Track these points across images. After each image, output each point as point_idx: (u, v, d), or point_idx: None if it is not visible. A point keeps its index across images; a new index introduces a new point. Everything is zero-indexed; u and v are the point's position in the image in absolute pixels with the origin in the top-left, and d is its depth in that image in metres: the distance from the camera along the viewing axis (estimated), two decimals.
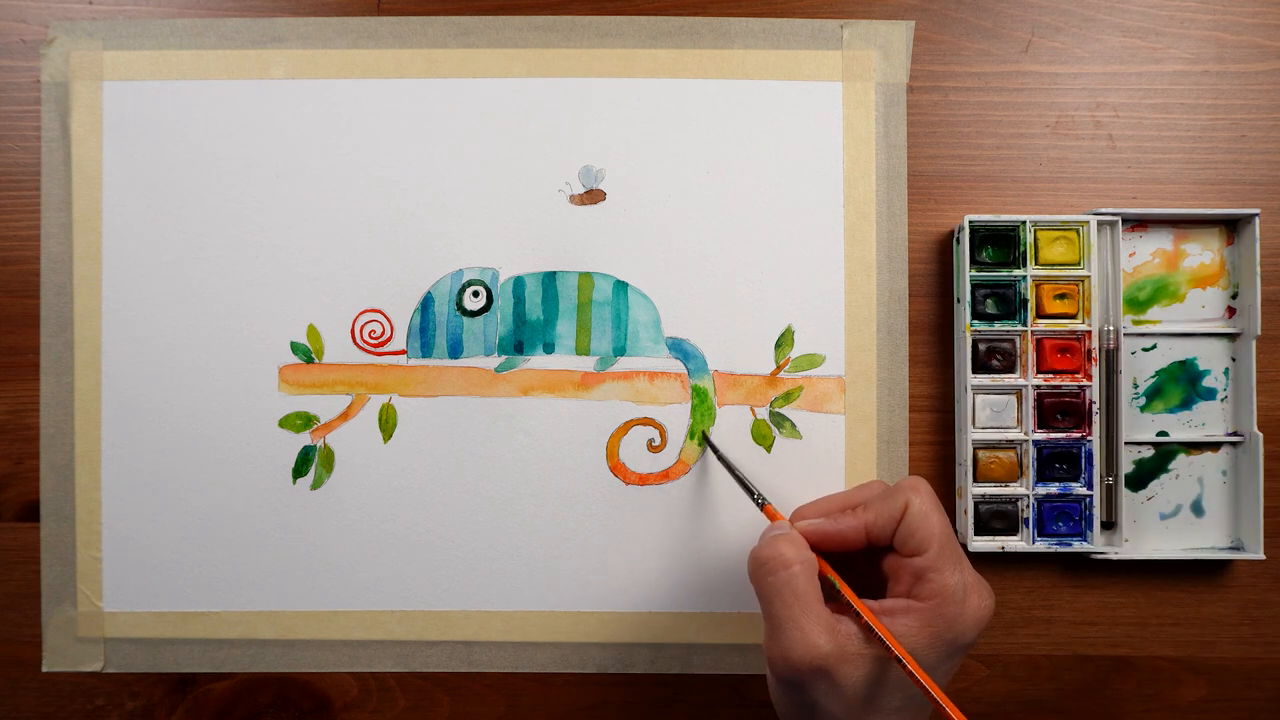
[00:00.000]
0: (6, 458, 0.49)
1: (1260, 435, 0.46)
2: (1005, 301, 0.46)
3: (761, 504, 0.43)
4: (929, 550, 0.37)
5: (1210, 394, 0.48)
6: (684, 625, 0.48)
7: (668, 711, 0.48)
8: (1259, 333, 0.46)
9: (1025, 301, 0.46)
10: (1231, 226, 0.48)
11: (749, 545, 0.47)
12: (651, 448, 0.48)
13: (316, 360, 0.48)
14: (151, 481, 0.48)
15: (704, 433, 0.48)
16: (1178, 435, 0.48)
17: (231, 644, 0.48)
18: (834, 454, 0.48)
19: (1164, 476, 0.48)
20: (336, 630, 0.48)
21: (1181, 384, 0.48)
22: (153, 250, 0.48)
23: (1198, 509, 0.48)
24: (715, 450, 0.47)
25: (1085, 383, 0.46)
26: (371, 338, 0.48)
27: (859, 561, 0.41)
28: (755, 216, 0.48)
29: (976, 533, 0.46)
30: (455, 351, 0.48)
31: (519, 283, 0.48)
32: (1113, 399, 0.46)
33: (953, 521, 0.48)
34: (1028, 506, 0.46)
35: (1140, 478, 0.48)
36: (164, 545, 0.48)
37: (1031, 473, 0.46)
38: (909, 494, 0.38)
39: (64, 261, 0.48)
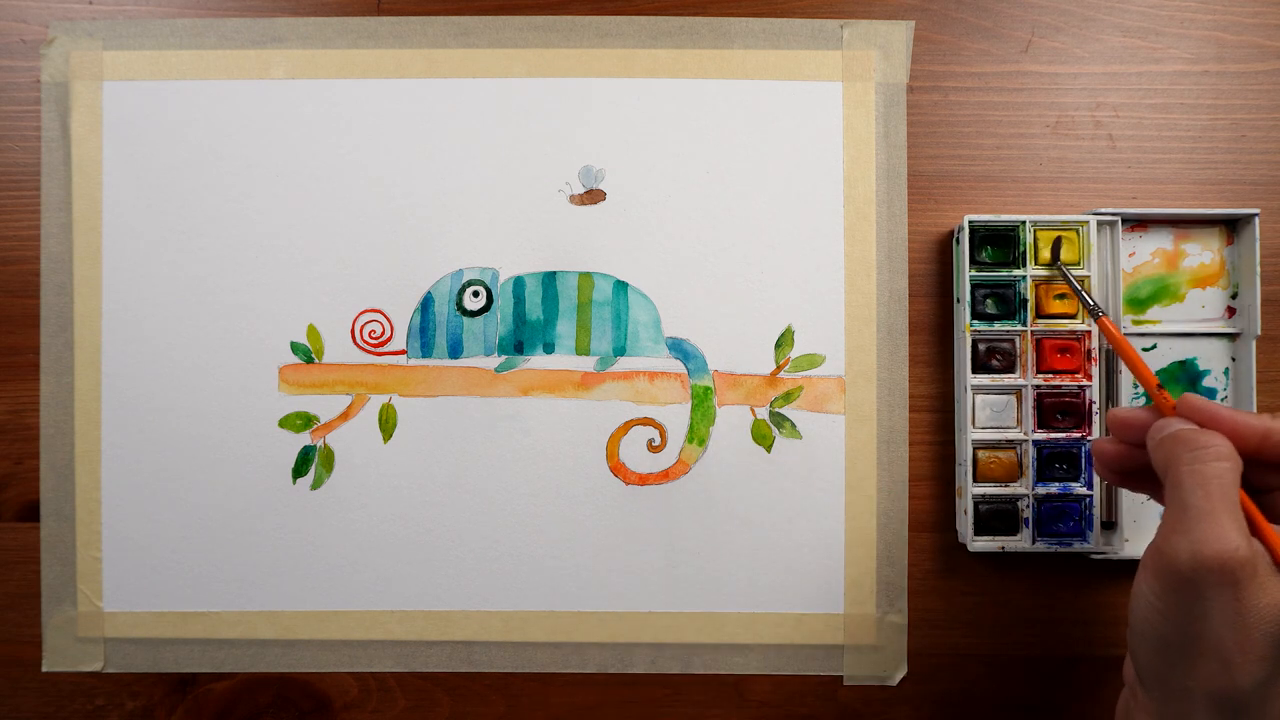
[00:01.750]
0: (6, 458, 0.49)
1: None
2: (1005, 301, 0.46)
3: (1160, 388, 0.38)
4: None
5: (1210, 394, 0.48)
6: (684, 625, 0.48)
7: (668, 711, 0.48)
8: (1259, 333, 0.46)
9: (1025, 301, 0.46)
10: (1231, 226, 0.48)
11: (749, 546, 0.47)
12: (651, 448, 0.48)
13: (316, 360, 0.48)
14: (151, 481, 0.48)
15: (1057, 265, 0.45)
16: None
17: (231, 644, 0.48)
18: (834, 454, 0.48)
19: None
20: (336, 630, 0.48)
21: (1181, 384, 0.48)
22: (153, 250, 0.48)
23: None
24: (1066, 273, 0.44)
25: (1085, 383, 0.46)
26: (371, 338, 0.48)
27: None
28: (755, 216, 0.48)
29: (976, 533, 0.46)
30: (455, 351, 0.48)
31: (519, 283, 0.48)
32: (1113, 399, 0.46)
33: (952, 521, 0.48)
34: (1028, 506, 0.46)
35: None
36: (164, 545, 0.48)
37: (1031, 473, 0.46)
38: None
39: (64, 261, 0.48)
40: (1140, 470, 0.37)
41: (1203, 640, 0.31)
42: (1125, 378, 0.47)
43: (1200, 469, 0.32)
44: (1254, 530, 0.33)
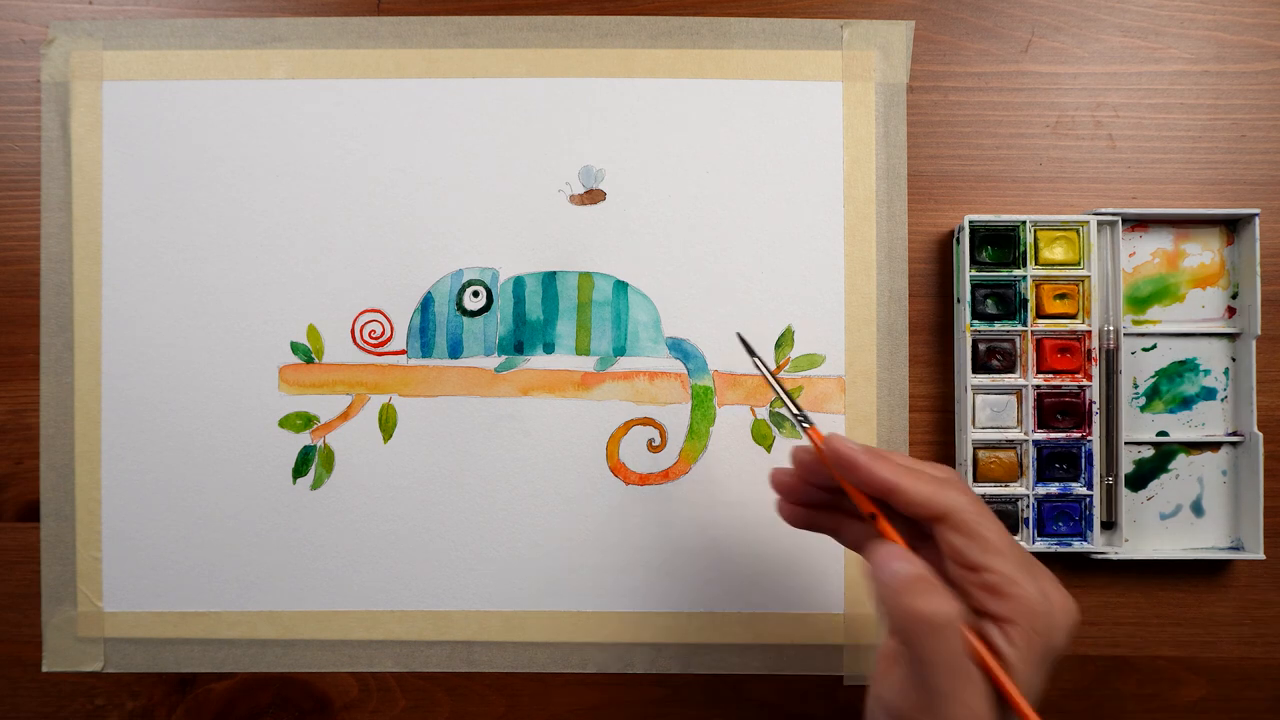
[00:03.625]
0: (6, 458, 0.49)
1: (1260, 435, 0.46)
2: (1005, 301, 0.46)
3: (805, 426, 0.38)
4: (994, 566, 0.32)
5: (1210, 394, 0.48)
6: (684, 625, 0.48)
7: (668, 711, 0.48)
8: (1259, 333, 0.46)
9: (1025, 301, 0.46)
10: (1231, 226, 0.48)
11: (749, 546, 0.47)
12: (651, 448, 0.48)
13: (316, 360, 0.48)
14: (151, 481, 0.48)
15: (739, 335, 0.44)
16: (1178, 435, 0.48)
17: (231, 644, 0.48)
18: None
19: (1164, 476, 0.48)
20: (336, 630, 0.48)
21: (1181, 384, 0.48)
22: (153, 250, 0.48)
23: (1198, 509, 0.48)
24: (752, 353, 0.42)
25: (1085, 383, 0.46)
26: (371, 338, 0.48)
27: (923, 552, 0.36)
28: (755, 217, 0.48)
29: None
30: (455, 351, 0.48)
31: (519, 283, 0.48)
32: (1113, 399, 0.46)
33: None
34: (1028, 506, 0.46)
35: (1140, 478, 0.48)
36: (164, 545, 0.48)
37: (1031, 473, 0.46)
38: (951, 494, 0.33)
39: (64, 261, 0.48)
40: (815, 504, 0.38)
41: None
42: (1125, 378, 0.47)
43: (933, 645, 0.31)
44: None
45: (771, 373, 0.41)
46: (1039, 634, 0.32)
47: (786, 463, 0.39)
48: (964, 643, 0.32)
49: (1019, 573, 0.32)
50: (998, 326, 0.46)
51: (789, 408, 0.39)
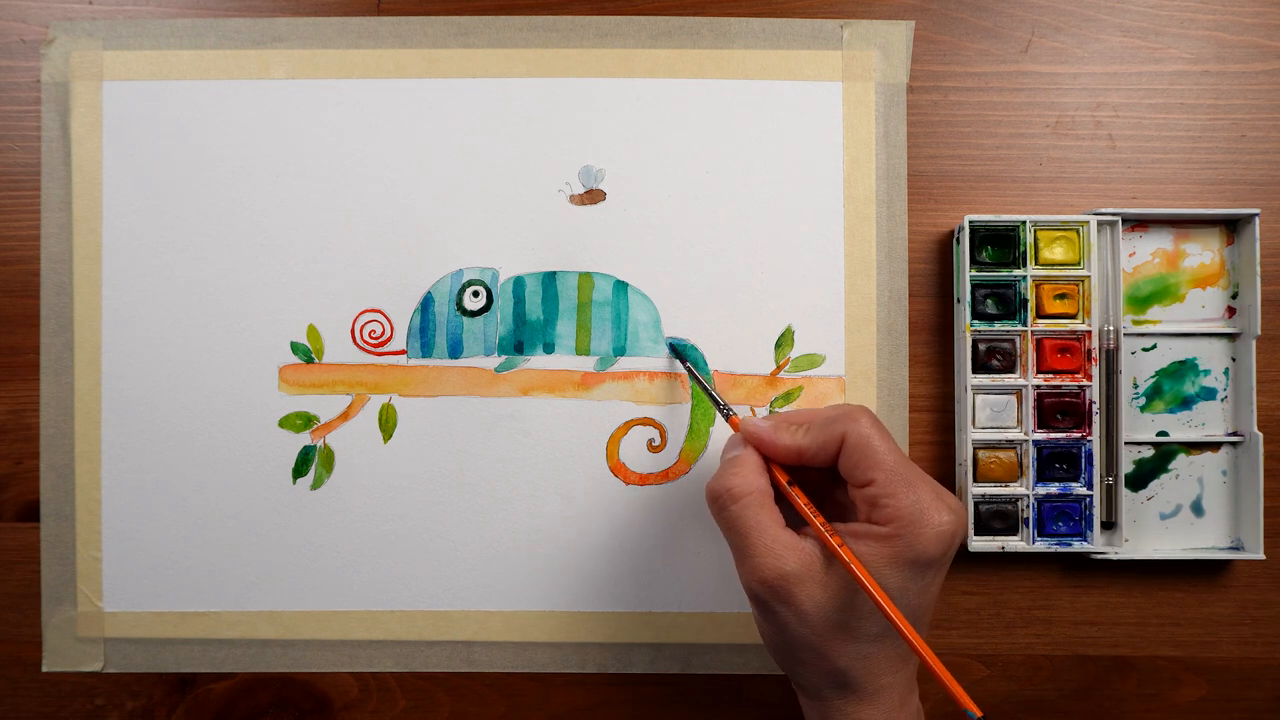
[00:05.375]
0: (6, 458, 0.49)
1: (1260, 435, 0.46)
2: (1005, 301, 0.46)
3: (727, 415, 0.43)
4: (876, 479, 0.37)
5: (1210, 394, 0.48)
6: (684, 625, 0.48)
7: (668, 711, 0.48)
8: (1259, 333, 0.46)
9: (1025, 301, 0.46)
10: (1231, 226, 0.48)
11: None
12: (651, 448, 0.48)
13: (316, 360, 0.48)
14: (151, 481, 0.48)
15: (669, 341, 0.48)
16: (1178, 435, 0.48)
17: (231, 644, 0.48)
18: None
19: (1164, 476, 0.48)
20: (336, 630, 0.48)
21: (1181, 384, 0.48)
22: (153, 250, 0.48)
23: (1198, 509, 0.48)
24: (682, 359, 0.47)
25: (1085, 383, 0.46)
26: (371, 338, 0.48)
27: (829, 488, 0.41)
28: (755, 217, 0.48)
29: (976, 533, 0.46)
30: (455, 351, 0.48)
31: (519, 283, 0.48)
32: (1113, 399, 0.46)
33: None
34: (1028, 506, 0.46)
35: (1140, 478, 0.48)
36: (164, 545, 0.48)
37: (1031, 473, 0.46)
38: (847, 424, 0.38)
39: (64, 261, 0.48)
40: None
41: (794, 638, 0.37)
42: (1125, 378, 0.47)
43: (724, 515, 0.38)
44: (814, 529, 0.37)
45: (695, 375, 0.46)
46: (904, 539, 0.36)
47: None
48: (756, 513, 0.37)
49: (897, 484, 0.37)
50: (998, 326, 0.46)
51: (714, 401, 0.44)
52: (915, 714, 0.39)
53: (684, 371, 0.48)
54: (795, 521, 0.39)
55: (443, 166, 0.48)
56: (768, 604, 0.37)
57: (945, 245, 0.49)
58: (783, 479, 0.39)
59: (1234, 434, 0.47)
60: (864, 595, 0.36)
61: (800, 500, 0.38)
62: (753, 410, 0.48)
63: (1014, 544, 0.46)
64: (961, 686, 0.33)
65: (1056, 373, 0.46)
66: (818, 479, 0.41)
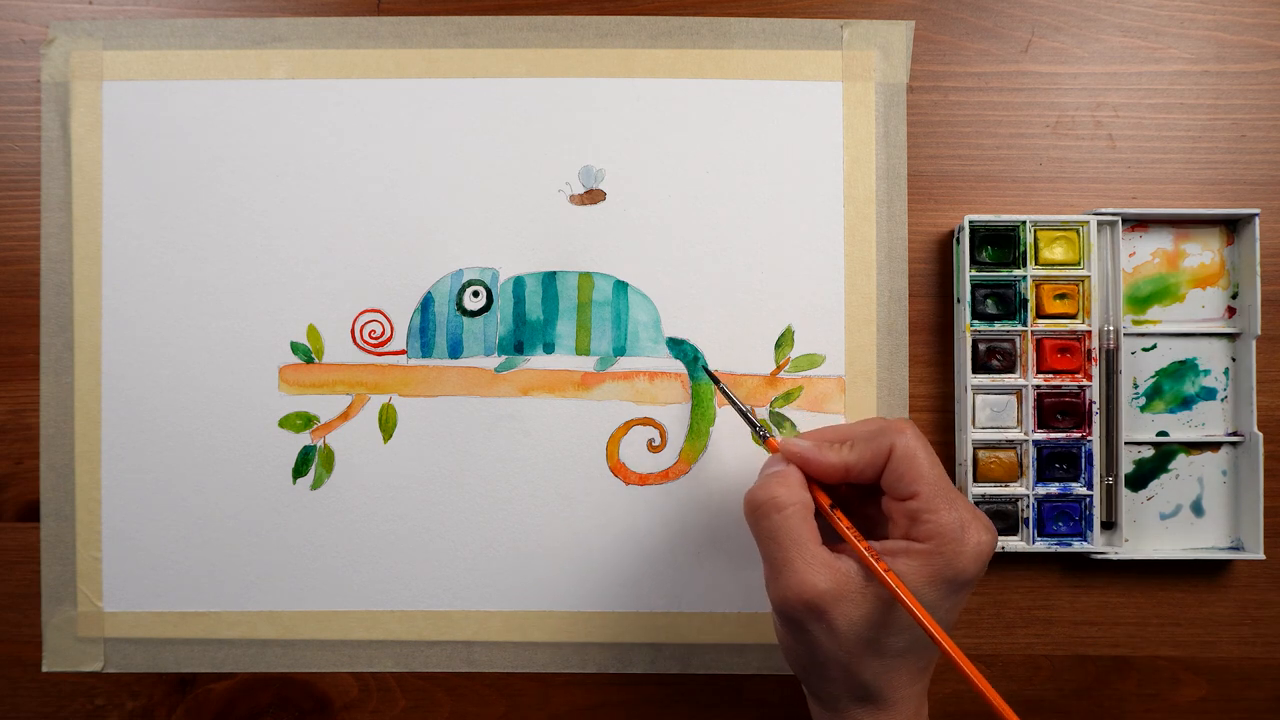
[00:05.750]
0: (6, 458, 0.49)
1: (1260, 435, 0.46)
2: (1005, 301, 0.46)
3: (765, 437, 0.42)
4: (920, 492, 0.36)
5: (1210, 394, 0.48)
6: (684, 625, 0.48)
7: (668, 711, 0.48)
8: (1259, 333, 0.46)
9: (1025, 301, 0.46)
10: (1231, 226, 0.48)
11: (749, 546, 0.47)
12: (651, 448, 0.48)
13: (316, 360, 0.48)
14: (151, 481, 0.48)
15: (705, 367, 0.47)
16: (1178, 435, 0.48)
17: (231, 644, 0.48)
18: None
19: (1164, 476, 0.48)
20: (336, 630, 0.48)
21: (1181, 384, 0.48)
22: (153, 250, 0.48)
23: (1198, 509, 0.48)
24: (718, 383, 0.46)
25: (1085, 383, 0.46)
26: (371, 338, 0.48)
27: (857, 503, 0.41)
28: (755, 217, 0.48)
29: None
30: (455, 351, 0.48)
31: (519, 283, 0.48)
32: (1113, 399, 0.46)
33: None
34: (1028, 506, 0.46)
35: (1140, 478, 0.48)
36: (164, 545, 0.48)
37: (1031, 473, 0.46)
38: (894, 436, 0.37)
39: (64, 261, 0.48)
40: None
41: (823, 655, 0.37)
42: (1125, 378, 0.47)
43: (766, 524, 0.37)
44: (855, 546, 0.37)
45: (731, 397, 0.45)
46: (943, 557, 0.36)
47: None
48: (799, 525, 0.37)
49: (939, 500, 0.36)
50: (998, 326, 0.46)
51: (750, 424, 0.43)
52: None
53: (683, 371, 0.48)
54: (828, 538, 0.38)
55: (443, 166, 0.48)
56: (801, 622, 0.36)
57: (945, 245, 0.49)
58: (825, 501, 0.39)
59: (1234, 434, 0.47)
60: (897, 612, 0.36)
61: (843, 524, 0.38)
62: (753, 410, 0.48)
63: (1014, 544, 0.46)
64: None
65: (1056, 373, 0.46)
66: (846, 493, 0.41)
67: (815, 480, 0.39)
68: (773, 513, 0.37)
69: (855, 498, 0.41)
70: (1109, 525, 0.47)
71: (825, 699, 0.39)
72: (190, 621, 0.48)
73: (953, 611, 0.37)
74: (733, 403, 0.44)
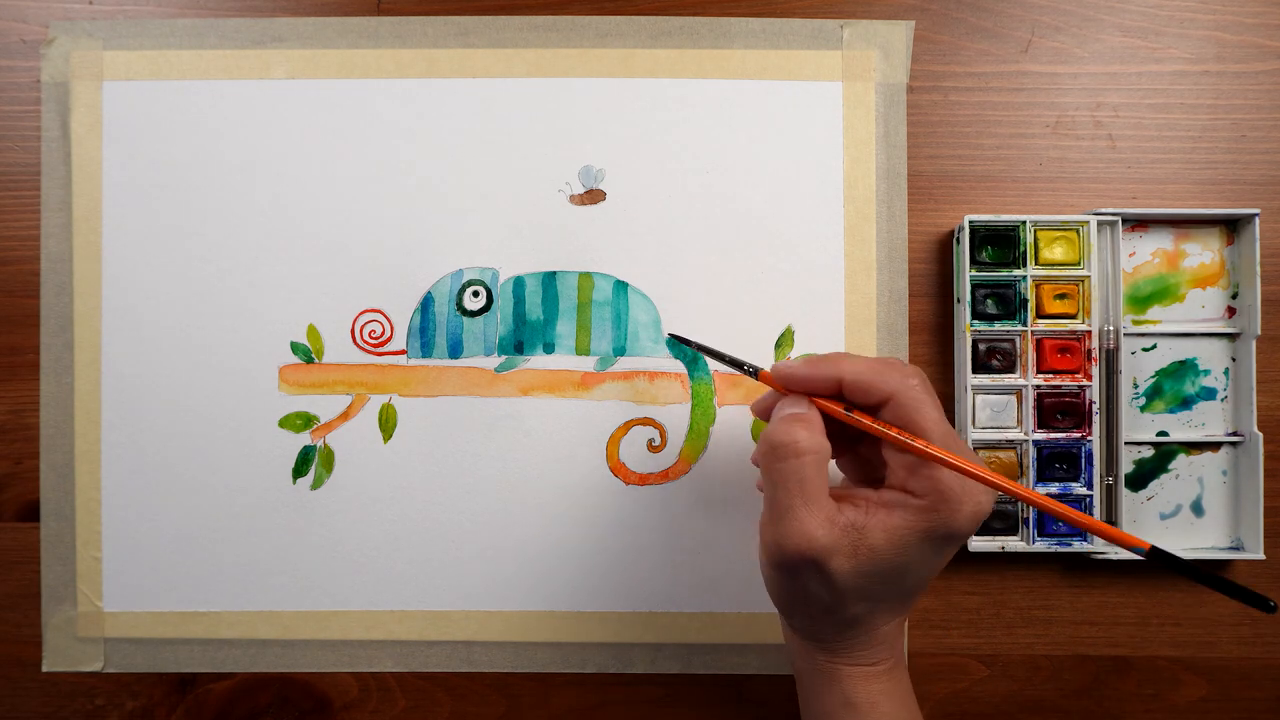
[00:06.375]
0: (6, 458, 0.49)
1: (1260, 435, 0.46)
2: (1005, 301, 0.46)
3: (755, 374, 0.40)
4: (926, 438, 0.35)
5: (1210, 394, 0.48)
6: (684, 625, 0.48)
7: (668, 711, 0.48)
8: (1259, 333, 0.46)
9: (1025, 301, 0.46)
10: (1231, 226, 0.48)
11: (749, 546, 0.47)
12: (651, 448, 0.48)
13: (316, 360, 0.48)
14: (151, 481, 0.48)
15: (670, 335, 0.47)
16: (1178, 435, 0.48)
17: (231, 644, 0.48)
18: None
19: (1164, 476, 0.48)
20: (336, 630, 0.48)
21: (1181, 384, 0.48)
22: (153, 250, 0.48)
23: (1198, 509, 0.48)
24: (687, 341, 0.45)
25: (1085, 383, 0.46)
26: (371, 338, 0.48)
27: (862, 448, 0.40)
28: (755, 217, 0.48)
29: (976, 533, 0.46)
30: (455, 351, 0.48)
31: (519, 283, 0.48)
32: (1113, 399, 0.46)
33: None
34: (1028, 506, 0.46)
35: (1140, 478, 0.48)
36: (164, 545, 0.48)
37: (1031, 473, 0.46)
38: (899, 377, 0.36)
39: (64, 261, 0.48)
40: None
41: (810, 596, 0.37)
42: (1125, 378, 0.47)
43: (781, 467, 0.36)
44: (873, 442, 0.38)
45: (705, 347, 0.43)
46: (940, 515, 0.35)
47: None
48: (813, 474, 0.36)
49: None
50: (998, 326, 0.46)
51: (733, 363, 0.41)
52: (902, 654, 0.40)
53: (683, 371, 0.48)
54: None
55: (443, 166, 0.48)
56: (795, 570, 0.36)
57: (945, 245, 0.49)
58: (838, 407, 0.37)
59: (1234, 434, 0.47)
60: (888, 564, 0.35)
61: (866, 420, 0.37)
62: (753, 410, 0.48)
63: (1014, 544, 0.46)
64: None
65: (1056, 373, 0.46)
66: (843, 443, 0.40)
67: (813, 395, 0.38)
68: (790, 457, 0.36)
69: (847, 443, 0.40)
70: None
71: (805, 631, 0.39)
72: (190, 621, 0.48)
73: (935, 568, 0.37)
74: (711, 352, 0.43)
